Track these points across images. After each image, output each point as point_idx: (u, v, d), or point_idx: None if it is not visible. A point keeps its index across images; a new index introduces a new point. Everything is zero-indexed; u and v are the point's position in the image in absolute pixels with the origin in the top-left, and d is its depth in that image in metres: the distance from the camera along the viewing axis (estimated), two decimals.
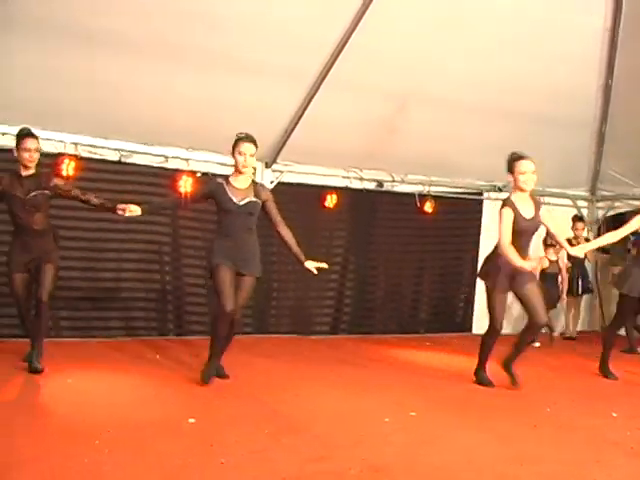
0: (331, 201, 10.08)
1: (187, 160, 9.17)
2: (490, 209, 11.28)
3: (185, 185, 8.96)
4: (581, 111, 10.04)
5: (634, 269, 7.75)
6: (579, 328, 11.48)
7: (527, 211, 6.75)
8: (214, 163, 9.24)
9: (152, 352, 7.97)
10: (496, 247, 6.85)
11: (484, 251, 11.13)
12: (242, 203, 6.42)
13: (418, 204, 10.62)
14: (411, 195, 10.61)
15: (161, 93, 8.25)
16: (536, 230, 6.94)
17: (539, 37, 8.76)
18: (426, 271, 11.03)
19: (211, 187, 6.60)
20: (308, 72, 8.60)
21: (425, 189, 10.75)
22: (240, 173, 6.50)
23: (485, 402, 6.39)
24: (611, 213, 12.02)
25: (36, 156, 6.61)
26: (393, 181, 10.51)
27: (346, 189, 10.28)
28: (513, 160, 6.76)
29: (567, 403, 6.41)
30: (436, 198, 10.76)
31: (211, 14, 7.62)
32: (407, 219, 10.69)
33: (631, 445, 5.14)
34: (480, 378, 7.21)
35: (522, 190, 6.75)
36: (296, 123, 9.13)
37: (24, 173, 6.62)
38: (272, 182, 9.62)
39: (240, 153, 6.42)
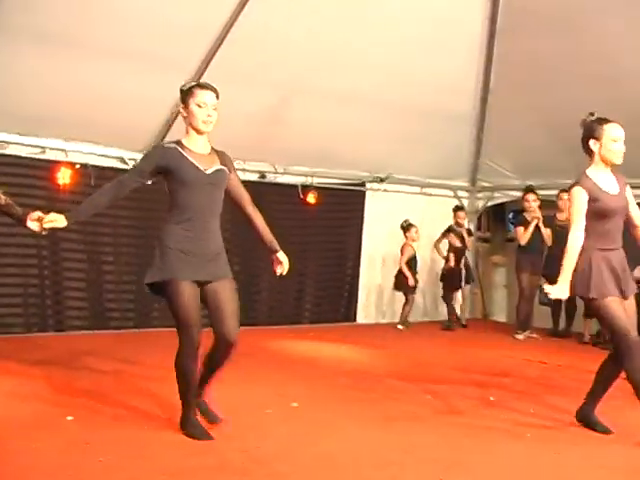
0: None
1: (65, 151, 8.94)
2: (372, 200, 11.45)
3: (63, 177, 8.76)
4: (462, 105, 10.26)
5: None
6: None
7: (611, 186, 5.18)
8: (93, 154, 9.06)
9: (30, 349, 7.74)
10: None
11: (367, 242, 11.37)
12: (210, 172, 4.77)
13: (301, 195, 10.66)
14: (294, 186, 10.64)
15: (37, 82, 8.01)
16: (626, 210, 5.23)
17: (421, 31, 8.89)
18: (310, 262, 11.06)
19: (161, 155, 4.78)
20: (190, 60, 8.48)
21: (308, 180, 10.80)
22: (199, 133, 4.80)
23: (367, 392, 6.46)
24: (490, 203, 12.39)
25: None
26: (276, 172, 10.51)
27: None
28: (600, 123, 5.15)
29: (446, 390, 6.54)
30: (319, 189, 10.83)
31: (89, 2, 7.45)
32: (290, 210, 10.69)
33: (507, 428, 5.31)
34: (592, 424, 5.29)
35: (606, 163, 5.17)
36: (177, 113, 8.99)
37: None
38: None
39: (199, 104, 4.72)
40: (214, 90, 4.80)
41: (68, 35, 7.63)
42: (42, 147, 8.82)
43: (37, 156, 8.81)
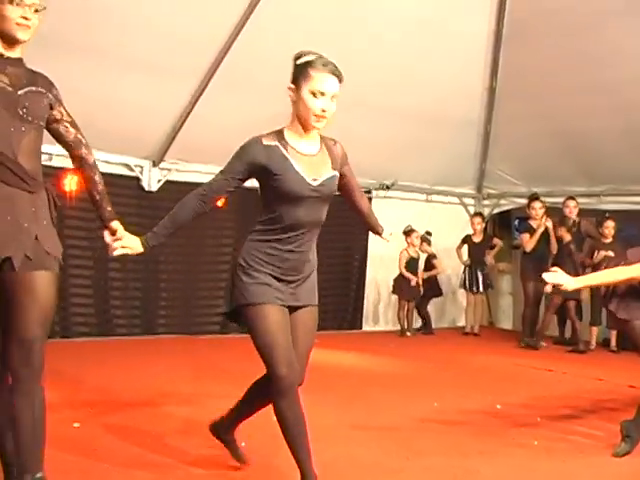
0: (220, 200, 9.98)
1: None
2: (378, 207, 11.41)
3: (70, 184, 8.77)
4: (468, 111, 10.28)
5: None
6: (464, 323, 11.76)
7: None
8: (100, 161, 9.02)
9: None
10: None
11: (373, 249, 11.35)
12: (317, 183, 3.74)
13: None
14: None
15: None
16: None
17: (426, 37, 8.91)
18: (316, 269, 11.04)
19: (258, 152, 3.72)
20: (196, 69, 8.51)
21: None
22: (307, 129, 3.78)
23: (372, 398, 6.46)
24: (497, 211, 12.38)
25: (33, 18, 3.56)
26: None
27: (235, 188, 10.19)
28: None
29: (454, 397, 6.53)
30: None
31: (96, 9, 7.46)
32: None
33: (513, 436, 5.30)
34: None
35: None
36: (184, 120, 9.02)
37: (7, 53, 3.62)
38: (159, 181, 9.50)
39: (314, 92, 3.68)
40: (336, 73, 3.70)
41: (75, 43, 7.64)
42: (49, 154, 8.77)
43: (44, 163, 8.76)
